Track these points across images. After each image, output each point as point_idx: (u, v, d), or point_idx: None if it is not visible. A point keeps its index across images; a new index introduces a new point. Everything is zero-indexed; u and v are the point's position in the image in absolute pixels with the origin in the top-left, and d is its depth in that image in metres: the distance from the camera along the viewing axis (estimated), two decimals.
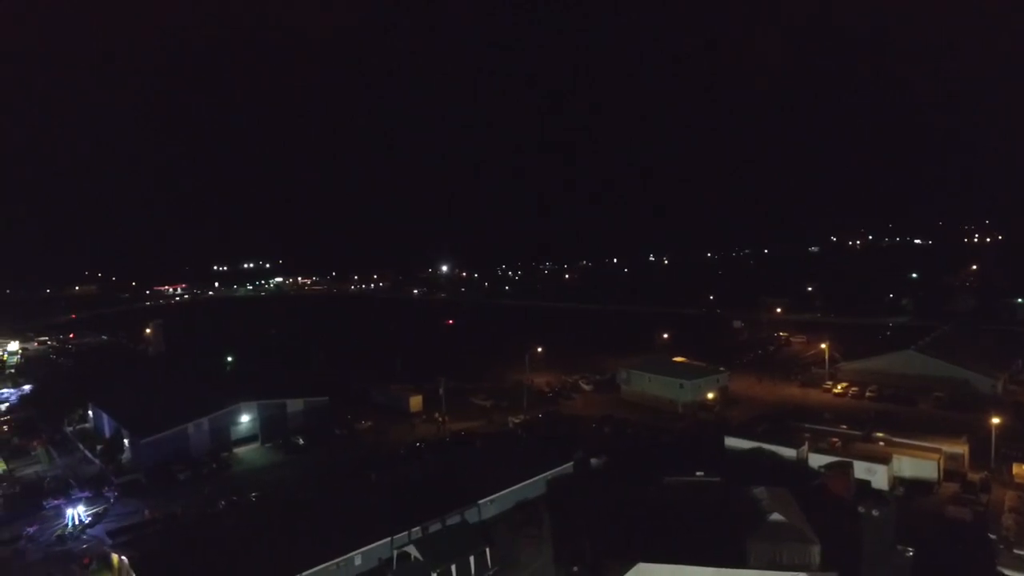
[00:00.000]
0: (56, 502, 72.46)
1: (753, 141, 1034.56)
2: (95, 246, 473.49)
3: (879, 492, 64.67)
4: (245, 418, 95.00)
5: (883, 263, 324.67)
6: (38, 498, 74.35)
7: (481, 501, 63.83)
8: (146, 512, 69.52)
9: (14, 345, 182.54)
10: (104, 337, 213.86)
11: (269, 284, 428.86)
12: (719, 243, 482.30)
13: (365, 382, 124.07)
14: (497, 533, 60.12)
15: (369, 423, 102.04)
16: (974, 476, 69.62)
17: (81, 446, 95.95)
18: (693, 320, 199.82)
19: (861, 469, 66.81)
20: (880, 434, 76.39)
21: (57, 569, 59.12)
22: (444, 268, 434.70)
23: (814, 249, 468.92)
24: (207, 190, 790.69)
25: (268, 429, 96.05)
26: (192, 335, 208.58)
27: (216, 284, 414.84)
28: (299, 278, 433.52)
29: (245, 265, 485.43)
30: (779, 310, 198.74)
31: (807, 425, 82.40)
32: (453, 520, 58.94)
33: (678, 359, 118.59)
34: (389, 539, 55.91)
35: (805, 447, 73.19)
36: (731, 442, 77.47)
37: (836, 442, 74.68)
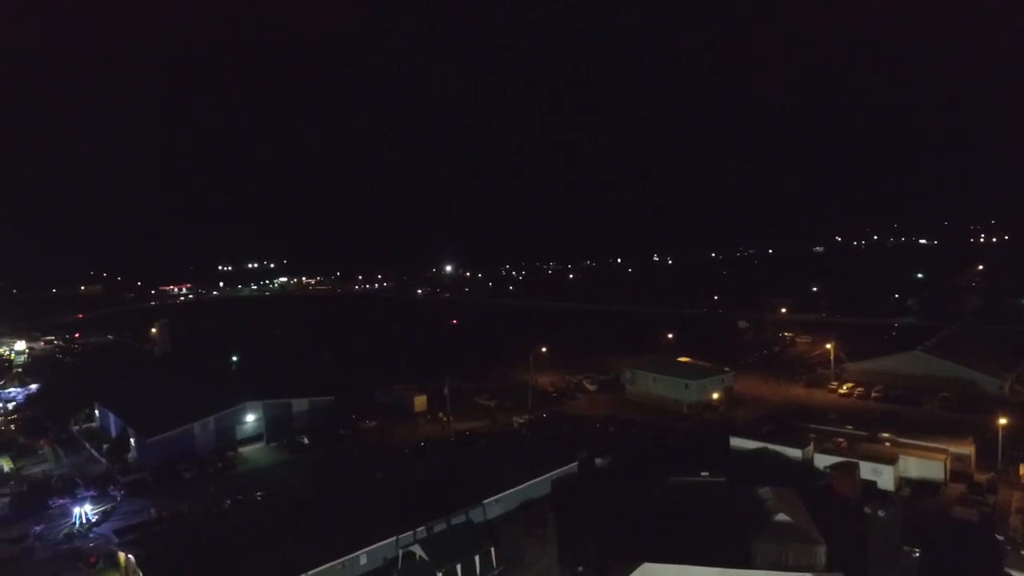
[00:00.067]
0: (63, 501, 72.98)
1: (753, 141, 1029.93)
2: (100, 246, 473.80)
3: (885, 493, 64.35)
4: (250, 418, 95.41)
5: (888, 263, 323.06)
6: (45, 497, 74.77)
7: (486, 501, 64.04)
8: (152, 511, 69.78)
9: (21, 345, 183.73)
10: (110, 337, 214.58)
11: (273, 284, 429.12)
12: (719, 243, 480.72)
13: (369, 382, 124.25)
14: (502, 533, 60.14)
15: (374, 423, 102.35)
16: (981, 477, 69.47)
17: (87, 445, 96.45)
18: (697, 320, 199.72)
19: (867, 470, 66.66)
20: (886, 434, 76.29)
21: (65, 567, 59.46)
22: (448, 268, 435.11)
23: (819, 249, 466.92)
24: (209, 190, 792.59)
25: (273, 429, 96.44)
26: (197, 335, 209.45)
27: (221, 284, 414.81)
28: (303, 278, 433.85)
29: (249, 265, 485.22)
30: (784, 310, 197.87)
31: (812, 425, 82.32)
32: (458, 520, 59.18)
33: (683, 359, 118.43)
34: (394, 539, 56.19)
35: (811, 447, 73.14)
36: (736, 442, 77.50)
37: (842, 442, 74.59)
